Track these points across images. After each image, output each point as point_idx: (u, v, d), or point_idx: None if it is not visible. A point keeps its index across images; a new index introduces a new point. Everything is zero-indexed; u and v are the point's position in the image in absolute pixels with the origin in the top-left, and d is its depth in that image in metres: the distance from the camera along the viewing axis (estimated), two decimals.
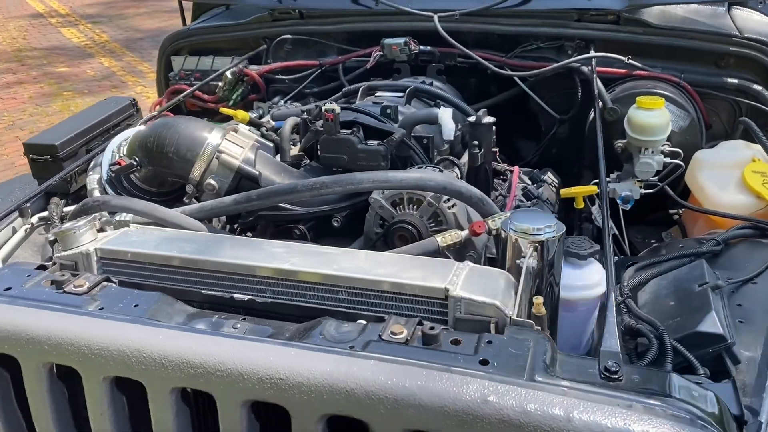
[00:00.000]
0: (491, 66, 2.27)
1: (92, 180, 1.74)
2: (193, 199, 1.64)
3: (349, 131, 1.63)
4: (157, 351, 1.09)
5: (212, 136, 1.59)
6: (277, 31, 2.59)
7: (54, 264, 1.38)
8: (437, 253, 1.41)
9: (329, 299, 1.24)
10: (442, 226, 1.55)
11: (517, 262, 1.27)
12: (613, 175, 2.06)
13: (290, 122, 1.76)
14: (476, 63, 2.35)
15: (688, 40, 2.22)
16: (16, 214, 1.92)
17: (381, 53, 2.43)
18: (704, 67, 2.25)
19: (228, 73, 2.52)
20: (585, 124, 2.29)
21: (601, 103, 2.11)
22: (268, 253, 1.31)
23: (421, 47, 2.38)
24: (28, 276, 1.32)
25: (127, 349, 1.10)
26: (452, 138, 1.74)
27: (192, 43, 2.73)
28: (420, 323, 1.11)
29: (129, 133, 1.82)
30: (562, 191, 1.81)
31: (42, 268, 1.37)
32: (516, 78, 2.31)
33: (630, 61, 2.19)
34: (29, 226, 1.92)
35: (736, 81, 2.18)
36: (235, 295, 1.27)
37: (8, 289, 1.27)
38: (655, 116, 1.91)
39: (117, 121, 2.21)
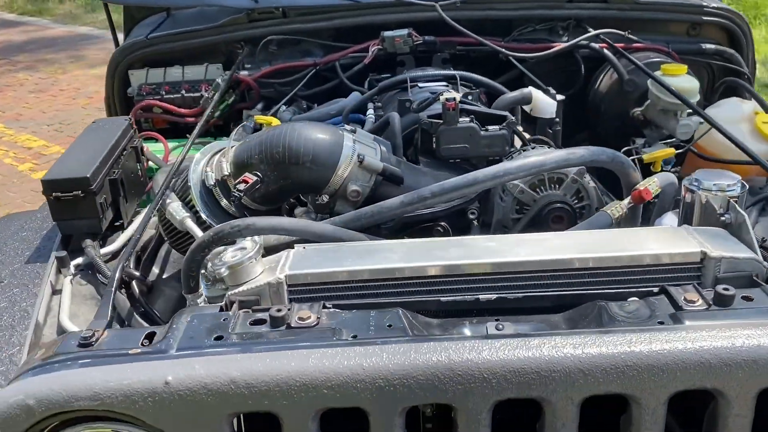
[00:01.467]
0: (503, 50, 2.30)
1: (176, 209, 1.48)
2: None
3: (467, 119, 1.56)
4: (475, 366, 0.97)
5: (347, 139, 1.44)
6: (257, 33, 2.40)
7: (233, 303, 1.17)
8: (611, 227, 1.41)
9: (577, 284, 1.19)
10: (584, 202, 1.55)
11: (722, 218, 1.31)
12: (640, 141, 2.18)
13: (396, 116, 1.64)
14: (476, 49, 2.37)
15: (668, 12, 2.42)
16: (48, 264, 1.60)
17: (380, 47, 2.35)
18: (679, 36, 2.47)
19: (219, 81, 2.28)
20: (584, 100, 2.41)
21: (616, 75, 2.23)
22: (485, 248, 1.22)
23: (425, 37, 2.34)
24: (224, 320, 1.11)
25: (437, 371, 0.97)
26: (554, 116, 1.74)
27: (151, 53, 2.43)
28: (697, 288, 1.11)
29: (211, 150, 1.58)
30: (645, 156, 1.89)
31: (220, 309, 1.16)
32: (514, 60, 2.35)
33: (629, 35, 2.34)
34: (70, 276, 1.60)
35: (713, 46, 2.42)
36: (480, 297, 1.16)
37: (220, 337, 1.06)
38: (686, 81, 2.06)
39: (124, 144, 1.90)
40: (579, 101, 2.40)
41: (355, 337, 1.05)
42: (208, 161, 1.53)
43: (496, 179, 1.34)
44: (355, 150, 1.42)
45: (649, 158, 1.89)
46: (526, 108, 1.85)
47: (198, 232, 1.44)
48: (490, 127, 1.57)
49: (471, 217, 1.54)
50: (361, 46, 2.37)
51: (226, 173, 1.45)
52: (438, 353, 0.98)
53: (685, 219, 1.40)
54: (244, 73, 2.35)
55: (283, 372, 0.97)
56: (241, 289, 1.18)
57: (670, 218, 1.62)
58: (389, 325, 1.08)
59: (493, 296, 1.16)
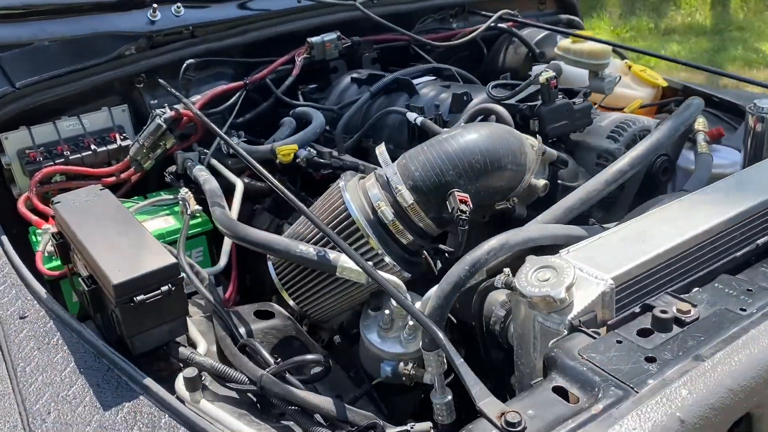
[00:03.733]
0: (431, 42, 2.31)
1: (348, 263, 1.18)
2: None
3: (561, 95, 1.56)
4: None
5: (516, 130, 1.32)
6: (165, 60, 1.97)
7: (577, 326, 1.03)
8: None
9: None
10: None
11: None
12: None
13: (500, 107, 1.51)
14: (395, 46, 2.34)
15: None
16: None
17: (307, 55, 2.15)
18: (531, 9, 2.77)
19: (161, 122, 1.83)
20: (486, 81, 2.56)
21: (525, 50, 2.43)
22: (726, 199, 1.27)
23: (352, 39, 2.21)
24: (617, 341, 0.98)
25: None
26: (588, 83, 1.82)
27: (26, 108, 1.83)
28: None
29: (350, 184, 1.27)
30: (627, 109, 2.10)
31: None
32: (423, 53, 2.39)
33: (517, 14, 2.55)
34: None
35: (565, 17, 2.77)
36: (759, 241, 1.22)
37: (651, 359, 0.94)
38: (596, 44, 2.34)
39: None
40: (484, 81, 2.53)
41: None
42: (361, 197, 1.26)
43: (670, 138, 1.40)
44: (536, 142, 1.32)
45: (629, 110, 2.12)
46: None
47: (398, 282, 1.20)
48: (575, 100, 1.60)
49: None
50: (287, 58, 2.14)
51: (411, 202, 1.22)
52: None
53: (755, 148, 1.64)
54: (177, 107, 1.92)
55: None
56: (578, 309, 1.04)
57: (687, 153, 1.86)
58: (748, 290, 1.08)
59: (765, 238, 1.23)
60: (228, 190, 1.73)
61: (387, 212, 1.23)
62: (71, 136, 1.87)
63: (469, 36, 2.39)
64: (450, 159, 1.25)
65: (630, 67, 2.59)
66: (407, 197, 1.23)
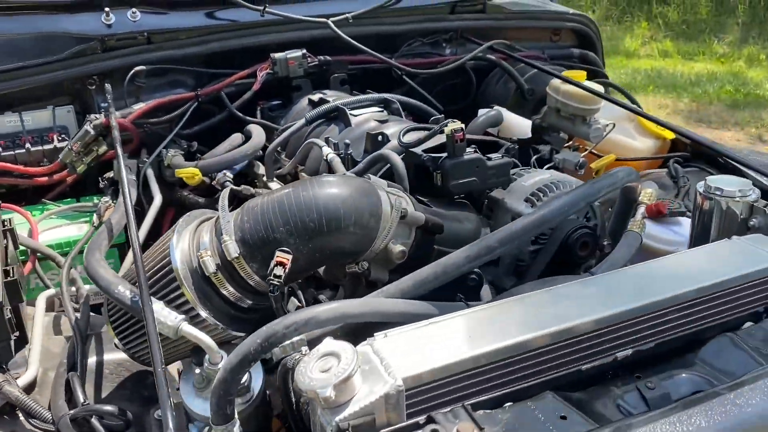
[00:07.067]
0: (403, 67, 2.18)
1: (163, 314, 1.09)
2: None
3: (471, 150, 1.41)
4: None
5: (381, 190, 1.18)
6: (116, 64, 1.95)
7: (345, 430, 0.89)
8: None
9: (691, 318, 1.12)
10: (593, 222, 1.50)
11: (751, 223, 1.35)
12: (545, 148, 2.22)
13: (395, 155, 1.39)
14: (368, 67, 2.22)
15: (536, 20, 2.50)
16: None
17: (270, 71, 2.07)
18: (543, 42, 2.57)
19: (89, 128, 1.80)
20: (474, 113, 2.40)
21: (514, 85, 2.25)
22: (588, 296, 1.10)
23: (320, 57, 2.12)
24: None
25: None
26: (529, 135, 1.65)
27: None
28: None
29: (187, 226, 1.19)
30: (593, 165, 1.90)
31: None
32: (405, 77, 2.26)
33: (513, 45, 2.37)
34: None
35: (578, 50, 2.55)
36: (618, 355, 1.03)
37: None
38: (592, 85, 2.13)
39: None
40: (471, 114, 2.37)
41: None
42: (192, 242, 1.16)
43: (563, 214, 1.22)
44: (395, 203, 1.18)
45: (597, 166, 1.92)
46: (492, 130, 1.75)
47: (207, 340, 1.09)
48: (492, 156, 1.44)
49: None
50: (248, 72, 2.07)
51: (235, 255, 1.11)
52: None
53: (702, 227, 1.42)
54: (116, 114, 1.89)
55: None
56: (351, 411, 0.91)
57: (649, 225, 1.65)
58: (562, 417, 0.91)
59: (630, 351, 1.05)
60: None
61: (209, 263, 1.12)
62: (9, 132, 1.88)
63: (451, 65, 2.24)
64: (283, 214, 1.12)
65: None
66: (232, 249, 1.12)
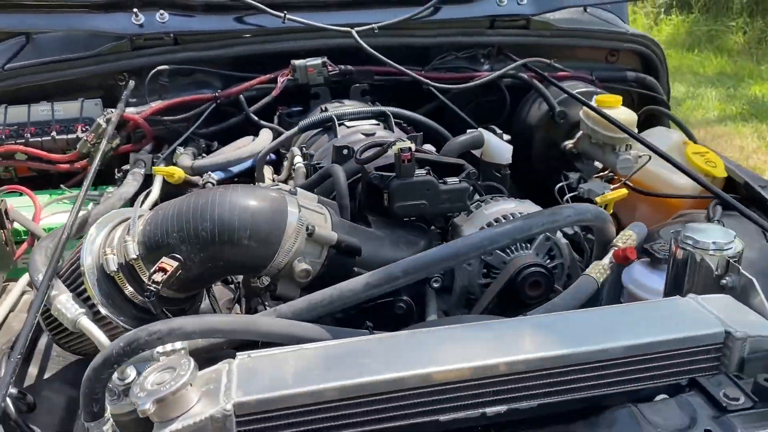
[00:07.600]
0: (428, 81, 2.11)
1: (67, 305, 1.13)
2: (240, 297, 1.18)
3: (424, 171, 1.33)
4: None
5: (291, 204, 1.15)
6: (143, 63, 2.04)
7: None
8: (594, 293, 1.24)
9: (594, 381, 0.98)
10: (557, 261, 1.37)
11: (723, 281, 1.16)
12: (574, 176, 2.06)
13: (340, 170, 1.36)
14: (395, 79, 2.16)
15: (589, 39, 2.33)
16: None
17: (291, 77, 2.08)
18: (597, 62, 2.39)
19: (101, 121, 1.91)
20: (509, 132, 2.27)
21: (547, 107, 2.11)
22: (482, 340, 0.99)
23: (340, 67, 2.10)
24: None
25: None
26: (509, 161, 1.55)
27: (9, 88, 2.01)
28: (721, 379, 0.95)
29: (109, 222, 1.23)
30: (598, 199, 1.75)
31: None
32: (436, 92, 2.18)
33: (554, 63, 2.22)
34: None
35: (634, 73, 2.36)
36: (487, 411, 0.93)
37: None
38: (624, 113, 1.95)
39: None
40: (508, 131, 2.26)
41: None
42: (107, 239, 1.19)
43: (480, 249, 1.12)
44: (303, 218, 1.14)
45: (602, 201, 1.75)
46: (476, 152, 1.65)
47: (101, 337, 1.11)
48: (448, 180, 1.35)
49: (435, 286, 1.31)
50: (269, 77, 2.09)
51: (134, 256, 1.12)
52: None
53: (675, 279, 1.25)
54: (131, 110, 1.99)
55: None
56: (175, 427, 0.88)
57: (639, 270, 1.49)
58: None
59: (503, 408, 0.94)
60: None
61: (111, 262, 1.13)
62: (41, 120, 2.01)
63: (478, 81, 2.14)
64: (179, 220, 1.10)
65: (686, 144, 2.14)
66: (131, 251, 1.11)
